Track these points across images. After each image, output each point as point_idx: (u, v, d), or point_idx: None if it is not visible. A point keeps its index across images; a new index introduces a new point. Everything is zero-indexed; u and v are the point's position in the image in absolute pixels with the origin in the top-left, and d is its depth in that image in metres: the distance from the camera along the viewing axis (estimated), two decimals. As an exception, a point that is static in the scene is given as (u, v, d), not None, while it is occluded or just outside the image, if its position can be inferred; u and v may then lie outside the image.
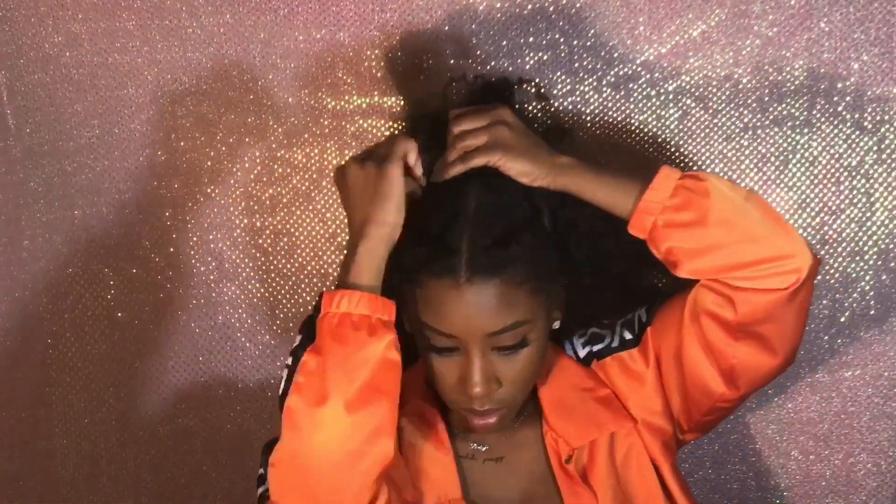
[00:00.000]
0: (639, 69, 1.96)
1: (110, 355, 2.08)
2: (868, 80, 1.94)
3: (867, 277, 1.99)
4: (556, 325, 1.77)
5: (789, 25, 1.94)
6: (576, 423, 1.80)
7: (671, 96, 1.96)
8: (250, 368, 2.07)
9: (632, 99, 1.96)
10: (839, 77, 1.94)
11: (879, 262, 1.98)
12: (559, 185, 1.73)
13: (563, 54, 1.95)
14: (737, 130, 1.97)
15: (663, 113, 1.97)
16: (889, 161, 1.96)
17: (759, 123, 1.97)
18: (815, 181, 1.97)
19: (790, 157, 1.97)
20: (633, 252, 1.78)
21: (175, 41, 1.99)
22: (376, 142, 1.89)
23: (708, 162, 1.97)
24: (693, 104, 1.97)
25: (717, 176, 1.78)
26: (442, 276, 1.66)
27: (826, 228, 1.98)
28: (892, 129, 1.95)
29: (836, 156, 1.97)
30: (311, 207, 2.03)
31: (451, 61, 1.96)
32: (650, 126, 1.97)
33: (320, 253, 2.04)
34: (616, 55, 1.96)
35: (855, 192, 1.97)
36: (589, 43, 1.96)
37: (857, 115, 1.95)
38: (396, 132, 1.99)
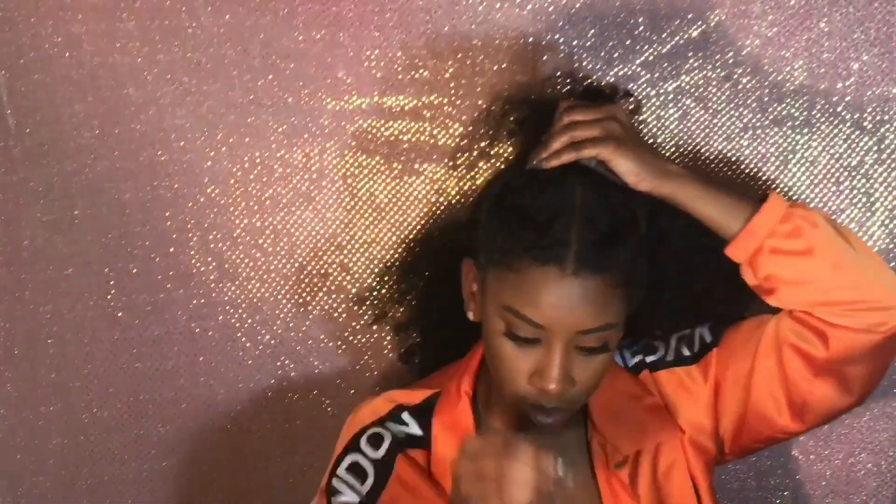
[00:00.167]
0: (639, 69, 1.96)
1: (110, 355, 2.08)
2: (868, 80, 1.94)
3: (867, 277, 1.99)
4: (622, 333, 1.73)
5: (789, 25, 1.94)
6: (625, 430, 1.77)
7: (671, 96, 1.96)
8: (250, 368, 2.07)
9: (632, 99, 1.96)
10: (839, 77, 1.94)
11: (879, 262, 1.98)
12: (665, 191, 1.70)
13: (563, 54, 1.95)
14: (737, 130, 1.97)
15: (663, 113, 1.97)
16: (889, 161, 1.96)
17: (759, 123, 1.96)
18: (815, 181, 1.97)
19: (790, 157, 1.97)
20: (714, 271, 1.77)
21: (175, 41, 1.99)
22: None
23: (708, 162, 1.97)
24: (693, 104, 1.96)
25: (822, 210, 1.75)
26: (547, 264, 1.62)
27: (826, 228, 1.98)
28: (892, 129, 1.95)
29: (836, 156, 1.97)
30: (311, 207, 2.03)
31: (451, 62, 1.96)
32: (650, 126, 1.97)
33: (320, 253, 2.04)
34: (616, 55, 1.96)
35: (855, 192, 1.97)
36: (589, 43, 1.95)
37: (857, 115, 1.95)
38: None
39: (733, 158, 1.97)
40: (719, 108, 1.96)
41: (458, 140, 1.98)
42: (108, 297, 2.07)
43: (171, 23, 1.98)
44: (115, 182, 2.03)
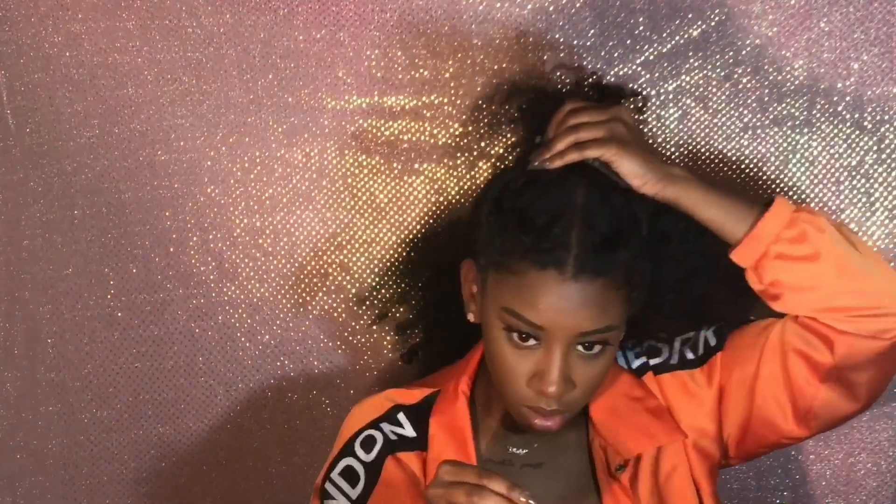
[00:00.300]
0: (639, 69, 1.96)
1: (110, 355, 2.08)
2: (868, 80, 1.94)
3: (867, 277, 1.99)
4: (622, 335, 1.73)
5: (789, 25, 1.94)
6: (627, 433, 1.75)
7: (671, 96, 1.96)
8: (250, 368, 2.07)
9: (632, 99, 1.96)
10: (839, 77, 1.94)
11: (879, 262, 1.98)
12: (669, 194, 1.70)
13: (563, 54, 1.95)
14: (737, 130, 1.97)
15: (663, 113, 1.97)
16: (889, 161, 1.96)
17: (759, 123, 1.96)
18: (815, 181, 1.97)
19: (790, 157, 1.97)
20: (716, 274, 1.76)
21: (175, 41, 1.99)
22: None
23: (708, 162, 1.97)
24: (693, 104, 1.96)
25: (827, 214, 1.74)
26: (546, 268, 1.62)
27: (826, 228, 1.98)
28: (892, 129, 1.95)
29: (836, 156, 1.97)
30: (311, 207, 2.03)
31: (451, 61, 1.96)
32: (650, 126, 1.97)
33: (320, 253, 2.04)
34: (616, 55, 1.96)
35: (855, 192, 1.97)
36: (589, 43, 1.96)
37: (857, 115, 1.95)
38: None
39: (733, 158, 1.97)
40: (719, 108, 1.96)
41: (458, 140, 1.98)
42: (108, 297, 2.07)
43: (171, 22, 1.98)
44: (115, 182, 2.03)
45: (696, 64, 1.95)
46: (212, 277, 2.05)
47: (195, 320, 2.06)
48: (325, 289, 2.04)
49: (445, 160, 1.99)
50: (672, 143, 1.97)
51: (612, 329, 1.66)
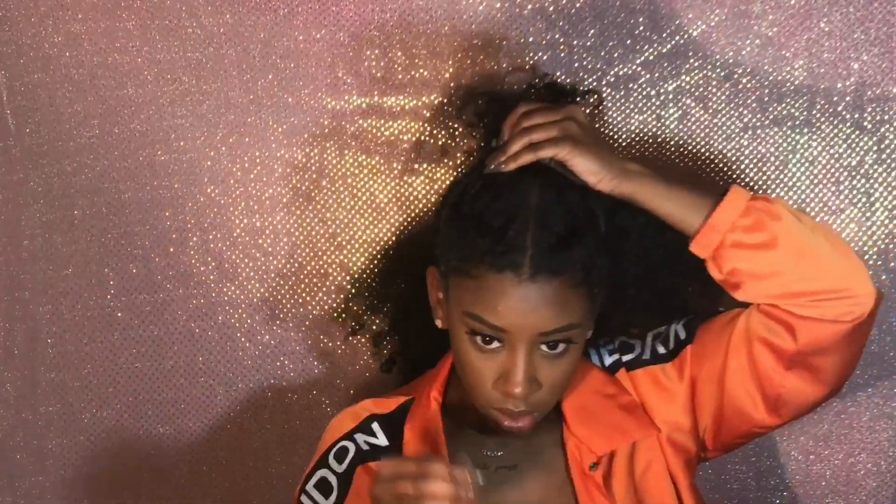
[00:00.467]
0: (639, 69, 1.96)
1: (110, 355, 2.08)
2: (868, 80, 1.94)
3: (867, 277, 1.99)
4: (590, 332, 1.74)
5: (789, 25, 1.94)
6: (599, 430, 1.77)
7: (671, 96, 1.96)
8: (250, 368, 2.07)
9: (632, 99, 1.96)
10: (839, 77, 1.94)
11: (879, 263, 1.98)
12: (625, 190, 1.70)
13: (563, 54, 1.95)
14: (737, 130, 1.97)
15: (663, 113, 1.97)
16: (889, 161, 1.96)
17: (759, 123, 1.96)
18: (815, 181, 1.97)
19: (790, 157, 1.97)
20: (678, 267, 1.77)
21: (175, 41, 1.99)
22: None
23: (708, 162, 1.97)
24: (693, 104, 1.97)
25: (784, 200, 1.75)
26: (503, 271, 1.63)
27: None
28: (892, 129, 1.95)
29: (836, 156, 1.97)
30: (311, 207, 2.03)
31: (451, 61, 1.96)
32: (650, 126, 1.97)
33: (320, 253, 2.04)
34: (616, 55, 1.96)
35: (855, 192, 1.97)
36: (589, 43, 1.96)
37: (857, 115, 1.95)
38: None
39: (733, 158, 1.97)
40: (719, 108, 1.96)
41: (458, 140, 1.98)
42: (108, 297, 2.07)
43: (171, 22, 1.98)
44: (115, 182, 2.03)
45: (696, 64, 1.95)
46: (212, 277, 2.05)
47: (195, 320, 2.06)
48: (325, 289, 2.04)
49: (445, 160, 1.99)
50: (672, 143, 1.97)
51: (573, 327, 1.66)
